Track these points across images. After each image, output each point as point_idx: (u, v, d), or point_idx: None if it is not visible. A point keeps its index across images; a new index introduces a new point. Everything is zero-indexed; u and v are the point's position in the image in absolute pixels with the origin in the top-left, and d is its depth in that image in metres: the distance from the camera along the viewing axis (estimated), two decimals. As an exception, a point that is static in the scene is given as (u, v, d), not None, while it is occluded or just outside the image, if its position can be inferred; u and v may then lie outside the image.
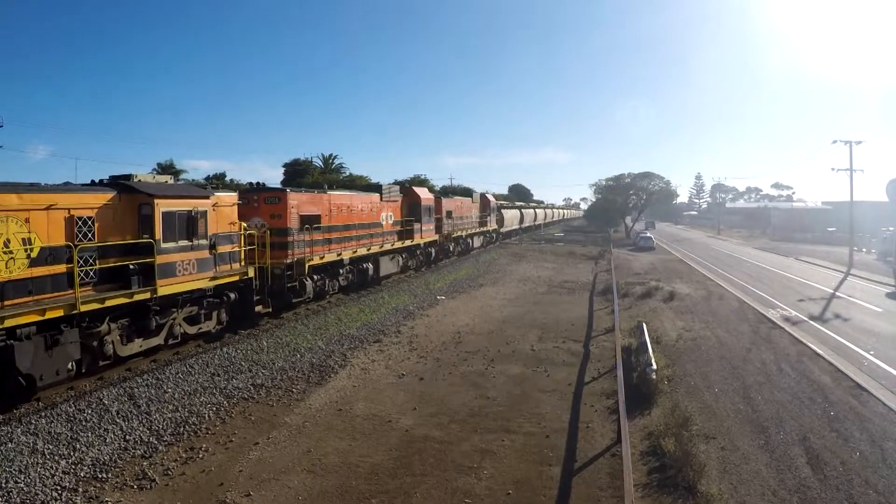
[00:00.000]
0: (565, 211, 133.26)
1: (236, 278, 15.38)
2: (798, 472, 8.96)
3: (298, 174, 54.13)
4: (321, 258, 20.00)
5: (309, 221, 19.36)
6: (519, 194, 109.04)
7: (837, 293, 28.28)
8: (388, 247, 25.86)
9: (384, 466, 8.98)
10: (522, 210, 71.23)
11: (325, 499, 8.05)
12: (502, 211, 56.45)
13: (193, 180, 42.42)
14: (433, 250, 33.23)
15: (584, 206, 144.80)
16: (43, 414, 10.15)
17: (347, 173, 59.47)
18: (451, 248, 37.47)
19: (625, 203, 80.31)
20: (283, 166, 59.01)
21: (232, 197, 15.85)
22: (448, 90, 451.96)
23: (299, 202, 19.25)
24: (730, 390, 12.83)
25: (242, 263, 15.72)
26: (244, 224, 16.20)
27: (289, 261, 18.12)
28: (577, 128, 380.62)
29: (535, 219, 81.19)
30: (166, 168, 52.52)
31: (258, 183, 20.45)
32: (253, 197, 18.65)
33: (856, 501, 8.16)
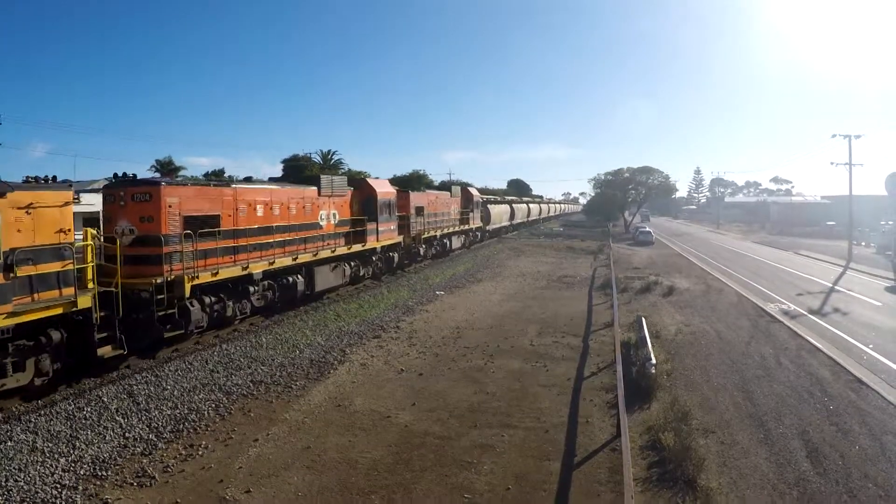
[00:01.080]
0: (563, 206, 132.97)
1: (58, 311, 11.00)
2: (797, 466, 8.97)
3: (297, 170, 54.01)
4: (213, 274, 15.07)
5: (199, 224, 14.86)
6: (518, 189, 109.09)
7: (836, 287, 28.30)
8: (327, 253, 20.69)
9: (384, 462, 8.99)
10: (514, 205, 65.94)
11: (325, 495, 8.05)
12: (489, 207, 51.65)
13: (192, 177, 42.24)
14: (396, 255, 28.12)
15: (583, 200, 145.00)
16: (42, 412, 10.16)
17: (346, 169, 59.43)
18: (423, 252, 32.08)
19: (624, 198, 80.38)
20: (282, 162, 58.88)
21: (60, 194, 11.39)
22: (448, 86, 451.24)
23: (182, 199, 14.50)
24: (729, 384, 12.84)
25: (84, 287, 11.71)
26: (92, 231, 12.64)
27: (161, 280, 13.49)
28: (576, 123, 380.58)
29: (529, 214, 76.08)
30: (165, 165, 52.41)
31: (128, 175, 14.50)
32: (119, 192, 14.04)
33: (855, 495, 8.17)
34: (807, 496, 8.14)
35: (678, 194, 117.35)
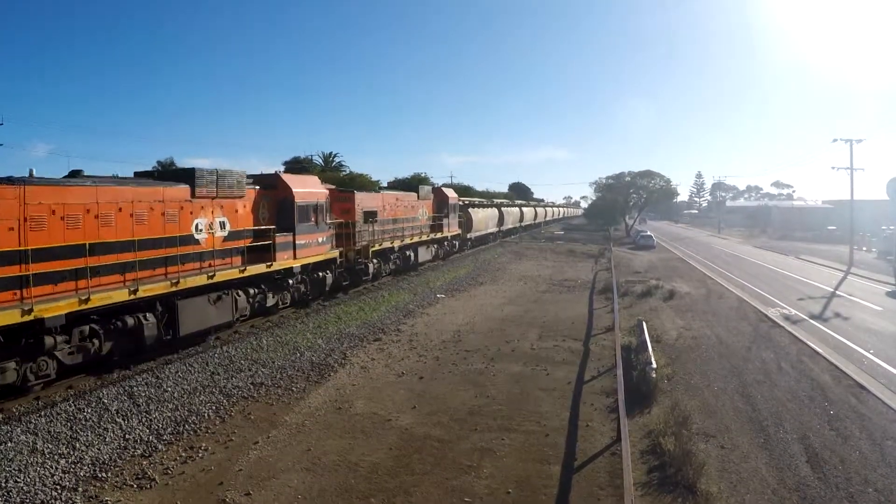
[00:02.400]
0: (563, 209, 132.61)
1: None
2: (797, 471, 8.96)
3: (298, 171, 54.07)
4: None
5: None
6: (519, 192, 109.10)
7: (837, 292, 28.27)
8: (202, 280, 14.57)
9: (383, 465, 8.98)
10: (503, 209, 57.83)
11: (325, 498, 8.04)
12: (470, 211, 43.86)
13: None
14: (330, 275, 21.26)
15: (584, 204, 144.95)
16: (42, 413, 10.16)
17: (348, 171, 59.47)
18: (373, 268, 24.89)
19: (625, 202, 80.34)
20: (284, 164, 58.94)
21: None
22: (448, 88, 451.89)
23: None
24: (729, 389, 12.82)
25: None
26: None
27: None
28: (577, 126, 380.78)
29: (522, 219, 69.11)
30: (167, 166, 52.50)
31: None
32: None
33: (855, 500, 8.16)
34: (807, 501, 8.13)
35: (679, 198, 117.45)
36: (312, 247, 19.65)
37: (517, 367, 14.24)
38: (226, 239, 16.03)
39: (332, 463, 9.04)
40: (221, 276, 15.29)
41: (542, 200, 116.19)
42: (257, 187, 17.55)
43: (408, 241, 29.05)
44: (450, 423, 10.63)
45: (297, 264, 18.74)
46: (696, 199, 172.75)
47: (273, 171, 20.17)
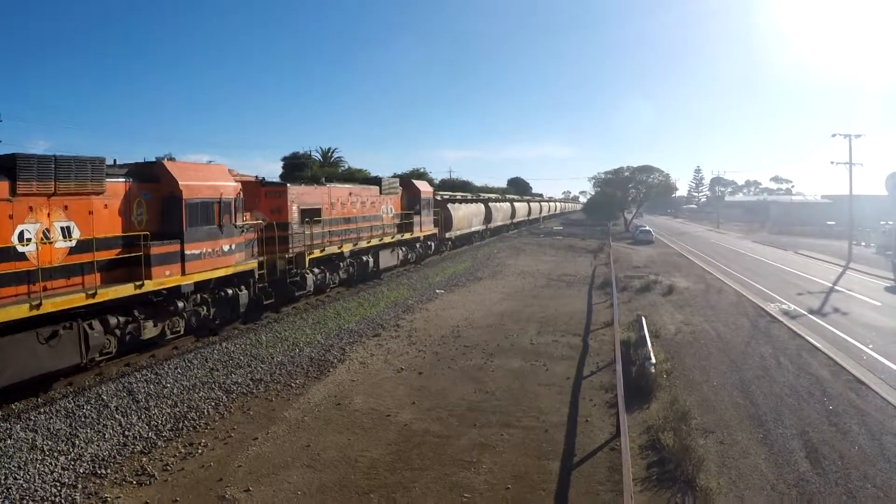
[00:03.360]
0: (563, 204, 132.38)
1: None
2: (797, 466, 8.97)
3: (297, 168, 53.97)
4: None
5: None
6: (518, 187, 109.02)
7: (836, 287, 28.29)
8: (24, 313, 10.29)
9: (383, 461, 8.99)
10: (490, 204, 51.60)
11: (325, 493, 8.05)
12: (450, 207, 38.18)
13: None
14: (245, 292, 16.41)
15: (583, 199, 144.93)
16: (42, 410, 10.16)
17: (346, 167, 59.40)
18: (311, 281, 19.64)
19: (624, 196, 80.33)
20: (282, 160, 58.88)
21: None
22: (449, 84, 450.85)
23: None
24: (728, 384, 12.84)
25: None
26: None
27: None
28: (577, 122, 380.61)
29: (514, 215, 62.94)
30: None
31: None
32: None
33: (854, 495, 8.17)
34: (806, 496, 8.14)
35: (678, 193, 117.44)
36: (214, 257, 14.89)
37: (516, 362, 14.25)
38: (72, 251, 11.67)
39: (332, 458, 9.04)
40: (54, 305, 10.81)
41: (541, 195, 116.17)
42: (129, 180, 13.10)
43: (365, 244, 24.06)
44: (449, 419, 10.64)
45: (187, 281, 14.04)
46: (695, 193, 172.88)
47: (156, 159, 16.23)
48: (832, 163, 44.76)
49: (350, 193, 23.82)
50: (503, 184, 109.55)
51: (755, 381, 12.99)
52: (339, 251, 22.28)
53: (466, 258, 36.58)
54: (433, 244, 34.20)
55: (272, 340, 15.32)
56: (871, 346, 16.07)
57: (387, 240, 26.46)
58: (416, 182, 32.18)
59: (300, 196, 20.07)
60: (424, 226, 31.52)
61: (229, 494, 7.97)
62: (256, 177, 19.76)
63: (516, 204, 66.69)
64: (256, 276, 16.99)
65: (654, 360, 12.51)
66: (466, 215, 42.27)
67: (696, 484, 8.19)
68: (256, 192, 18.72)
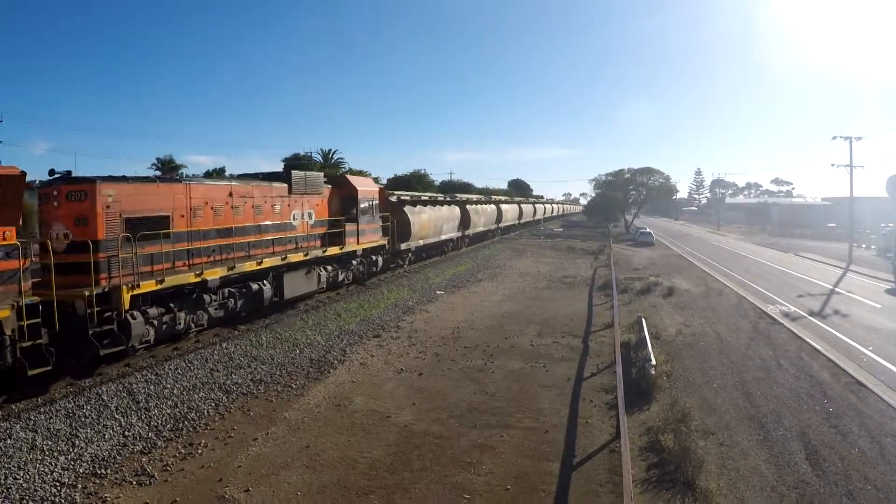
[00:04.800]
0: (561, 206, 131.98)
1: None
2: (797, 468, 8.97)
3: (297, 168, 54.01)
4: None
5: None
6: (518, 189, 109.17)
7: (837, 289, 28.28)
8: None
9: (383, 462, 8.98)
10: (468, 206, 43.24)
11: (324, 494, 8.05)
12: (409, 211, 30.20)
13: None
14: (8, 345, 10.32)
15: (583, 201, 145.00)
16: (42, 410, 10.16)
17: (347, 167, 59.50)
18: (156, 325, 13.78)
19: (624, 198, 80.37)
20: (283, 161, 58.99)
21: None
22: (450, 86, 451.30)
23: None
24: (729, 386, 12.83)
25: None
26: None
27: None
28: (578, 123, 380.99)
29: (500, 219, 54.91)
30: (166, 163, 52.57)
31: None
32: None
33: (854, 497, 8.17)
34: (806, 498, 8.14)
35: (679, 195, 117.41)
36: None
37: (516, 363, 14.25)
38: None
39: (332, 459, 9.04)
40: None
41: (542, 197, 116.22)
42: None
43: (252, 265, 16.78)
44: (449, 420, 10.64)
45: None
46: (696, 195, 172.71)
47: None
48: (833, 165, 44.97)
49: (231, 193, 16.48)
50: (504, 185, 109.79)
51: (755, 383, 12.98)
52: (199, 279, 14.74)
53: (466, 260, 36.55)
54: (380, 259, 26.08)
55: (272, 341, 15.32)
56: (871, 348, 16.06)
57: (298, 257, 19.12)
58: (351, 178, 24.51)
59: (126, 198, 13.22)
60: (365, 235, 23.78)
61: (229, 495, 7.97)
62: (53, 171, 12.88)
63: (504, 206, 58.18)
64: (7, 332, 10.33)
65: (654, 362, 12.51)
66: (434, 221, 33.76)
67: (696, 485, 8.18)
68: (49, 195, 12.71)
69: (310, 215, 20.39)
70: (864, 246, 51.83)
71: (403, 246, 29.25)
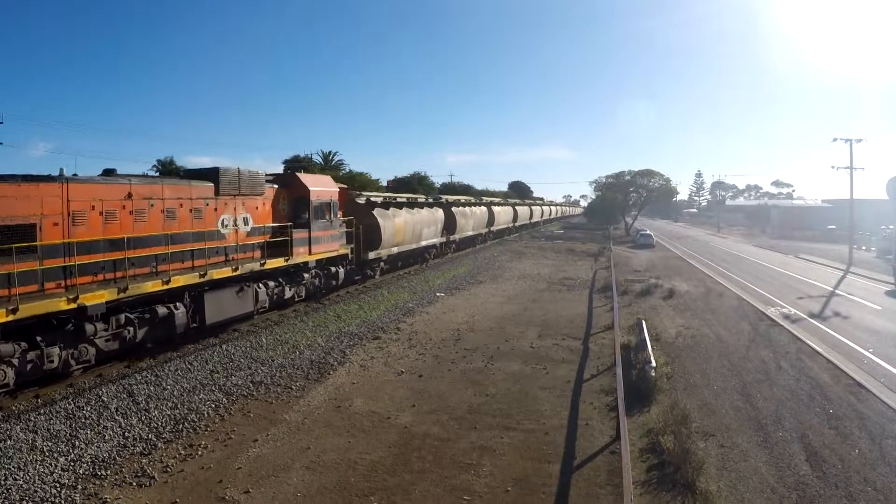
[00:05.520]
0: (562, 208, 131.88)
1: None
2: (797, 470, 8.96)
3: (298, 170, 54.02)
4: None
5: None
6: (518, 191, 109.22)
7: (837, 291, 28.27)
8: None
9: (383, 463, 8.98)
10: (454, 209, 39.13)
11: (324, 496, 8.04)
12: (379, 214, 26.10)
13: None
14: None
15: (584, 203, 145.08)
16: (42, 411, 10.16)
17: (348, 170, 59.56)
18: None
19: (625, 200, 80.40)
20: (283, 163, 59.04)
21: None
22: (450, 88, 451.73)
23: None
24: (729, 388, 12.83)
25: None
26: None
27: None
28: (578, 125, 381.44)
29: (492, 222, 50.48)
30: (166, 165, 52.59)
31: None
32: None
33: (855, 499, 8.16)
34: (806, 500, 8.13)
35: (679, 197, 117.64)
36: None
37: (517, 365, 14.25)
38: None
39: (332, 461, 9.04)
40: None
41: (542, 199, 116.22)
42: None
43: (156, 285, 13.46)
44: (449, 422, 10.64)
45: None
46: (696, 197, 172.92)
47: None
48: (833, 167, 44.91)
49: (130, 195, 13.43)
50: (504, 187, 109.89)
51: (755, 385, 12.98)
52: (74, 305, 11.56)
53: (467, 262, 36.53)
54: (342, 271, 22.45)
55: (272, 343, 15.32)
56: (871, 350, 16.05)
57: (224, 272, 15.57)
58: (303, 177, 20.38)
59: None
60: (320, 244, 20.27)
61: (229, 496, 7.96)
62: None
63: (496, 208, 53.38)
64: None
65: (654, 364, 12.51)
66: (411, 225, 29.85)
67: (696, 487, 8.17)
68: None
69: (245, 221, 17.06)
70: (864, 248, 51.83)
71: (372, 255, 25.32)
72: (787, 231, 78.02)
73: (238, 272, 16.14)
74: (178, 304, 14.37)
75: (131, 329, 13.19)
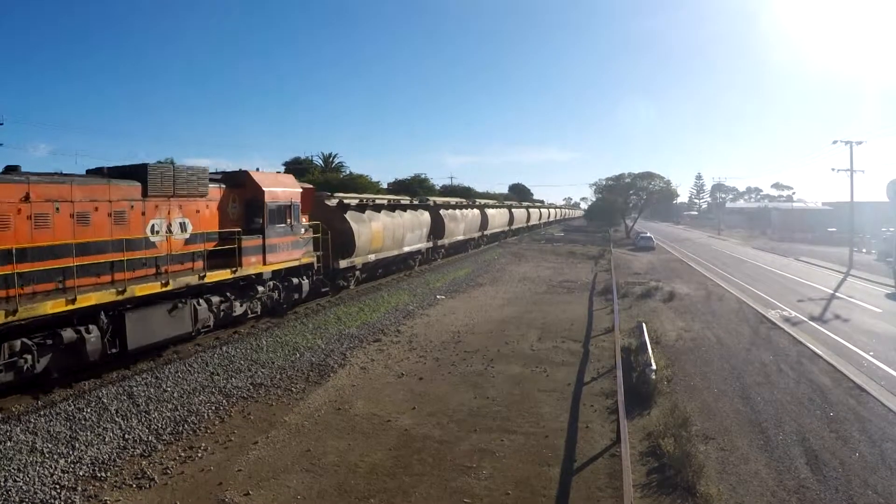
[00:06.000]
0: (562, 210, 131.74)
1: None
2: (797, 473, 8.95)
3: (299, 173, 54.07)
4: None
5: None
6: (518, 193, 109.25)
7: (837, 294, 28.27)
8: None
9: (383, 466, 8.97)
10: (442, 212, 36.21)
11: (324, 498, 8.04)
12: (352, 217, 23.54)
13: None
14: None
15: (584, 205, 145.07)
16: (42, 412, 10.16)
17: (348, 171, 59.62)
18: None
19: (625, 203, 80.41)
20: (284, 165, 59.10)
21: None
22: (451, 90, 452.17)
23: None
24: (729, 391, 12.82)
25: None
26: None
27: None
28: (578, 127, 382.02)
29: (487, 225, 48.33)
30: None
31: None
32: None
33: (855, 502, 8.15)
34: (806, 503, 8.12)
35: (679, 200, 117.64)
36: None
37: (517, 368, 14.24)
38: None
39: (332, 463, 9.03)
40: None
41: (542, 202, 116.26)
42: None
43: (57, 306, 11.18)
44: (449, 424, 10.63)
45: None
46: (696, 200, 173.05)
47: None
48: (833, 170, 44.93)
49: (27, 197, 11.23)
50: (505, 189, 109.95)
51: (756, 388, 12.97)
52: None
53: (467, 264, 36.52)
54: (305, 282, 19.80)
55: (273, 345, 15.32)
56: (871, 353, 16.04)
57: (150, 288, 13.25)
58: (256, 176, 17.46)
59: None
60: (277, 252, 17.74)
61: (229, 498, 7.96)
62: None
63: (490, 210, 50.64)
64: None
65: (654, 367, 12.50)
66: (392, 229, 27.38)
67: (697, 490, 8.17)
68: None
69: (183, 227, 14.69)
70: (864, 250, 51.82)
71: (345, 263, 22.58)
72: (788, 233, 78.06)
73: (169, 287, 13.63)
74: (90, 326, 12.00)
75: (29, 357, 10.87)
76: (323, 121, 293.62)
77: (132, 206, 13.34)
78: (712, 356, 15.68)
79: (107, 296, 12.13)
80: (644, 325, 16.34)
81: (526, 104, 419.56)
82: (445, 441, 9.90)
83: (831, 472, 8.95)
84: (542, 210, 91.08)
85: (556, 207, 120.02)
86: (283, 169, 57.14)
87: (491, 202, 59.46)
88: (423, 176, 67.20)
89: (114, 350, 12.64)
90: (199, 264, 14.97)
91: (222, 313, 15.90)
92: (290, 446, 9.65)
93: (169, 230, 14.24)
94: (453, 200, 45.48)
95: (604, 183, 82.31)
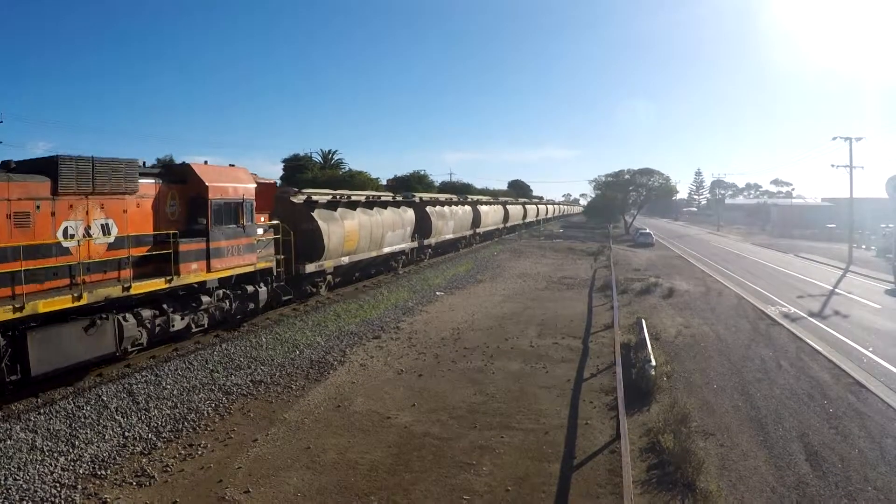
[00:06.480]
0: (561, 207, 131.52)
1: None
2: (797, 469, 8.97)
3: (298, 170, 54.08)
4: None
5: None
6: (518, 190, 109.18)
7: (837, 290, 28.29)
8: None
9: (383, 463, 8.98)
10: (429, 209, 33.96)
11: (324, 495, 8.04)
12: (320, 215, 21.27)
13: None
14: None
15: (583, 202, 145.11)
16: (42, 411, 10.15)
17: (347, 168, 59.55)
18: None
19: (624, 199, 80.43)
20: (283, 162, 59.03)
21: None
22: (450, 86, 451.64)
23: None
24: (729, 387, 12.83)
25: None
26: None
27: None
28: (578, 124, 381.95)
29: (480, 223, 46.04)
30: (165, 164, 52.56)
31: None
32: None
33: (855, 498, 8.17)
34: (806, 499, 8.14)
35: (679, 196, 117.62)
36: None
37: (516, 364, 14.24)
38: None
39: (332, 461, 9.04)
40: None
41: (541, 198, 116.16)
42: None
43: None
44: (449, 421, 10.63)
45: None
46: (696, 196, 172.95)
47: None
48: (833, 166, 44.94)
49: None
50: (504, 186, 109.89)
51: (755, 384, 12.98)
52: None
53: (467, 260, 36.50)
54: (263, 289, 17.33)
55: (272, 342, 15.32)
56: (871, 349, 16.06)
57: (60, 302, 11.09)
58: (199, 169, 15.01)
59: None
60: (225, 257, 15.31)
61: (229, 496, 7.96)
62: None
63: (483, 207, 47.71)
64: None
65: (654, 363, 12.51)
66: (368, 229, 24.82)
67: (696, 486, 8.18)
68: None
69: (105, 229, 12.53)
70: (863, 247, 51.83)
71: (312, 267, 20.28)
72: (787, 230, 78.02)
73: (83, 301, 11.43)
74: None
75: None
76: (324, 118, 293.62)
77: (38, 207, 11.15)
78: (712, 352, 15.69)
79: (1, 313, 10.03)
80: (643, 321, 16.35)
81: (527, 102, 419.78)
82: (445, 438, 9.90)
83: (831, 469, 8.96)
84: (539, 206, 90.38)
85: (554, 204, 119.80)
86: (282, 166, 57.08)
87: (484, 198, 57.00)
88: (422, 172, 67.18)
89: (13, 377, 10.53)
90: (126, 273, 12.65)
91: (158, 328, 13.65)
92: (290, 444, 9.65)
93: (87, 233, 12.04)
94: (442, 196, 42.49)
95: (603, 179, 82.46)
